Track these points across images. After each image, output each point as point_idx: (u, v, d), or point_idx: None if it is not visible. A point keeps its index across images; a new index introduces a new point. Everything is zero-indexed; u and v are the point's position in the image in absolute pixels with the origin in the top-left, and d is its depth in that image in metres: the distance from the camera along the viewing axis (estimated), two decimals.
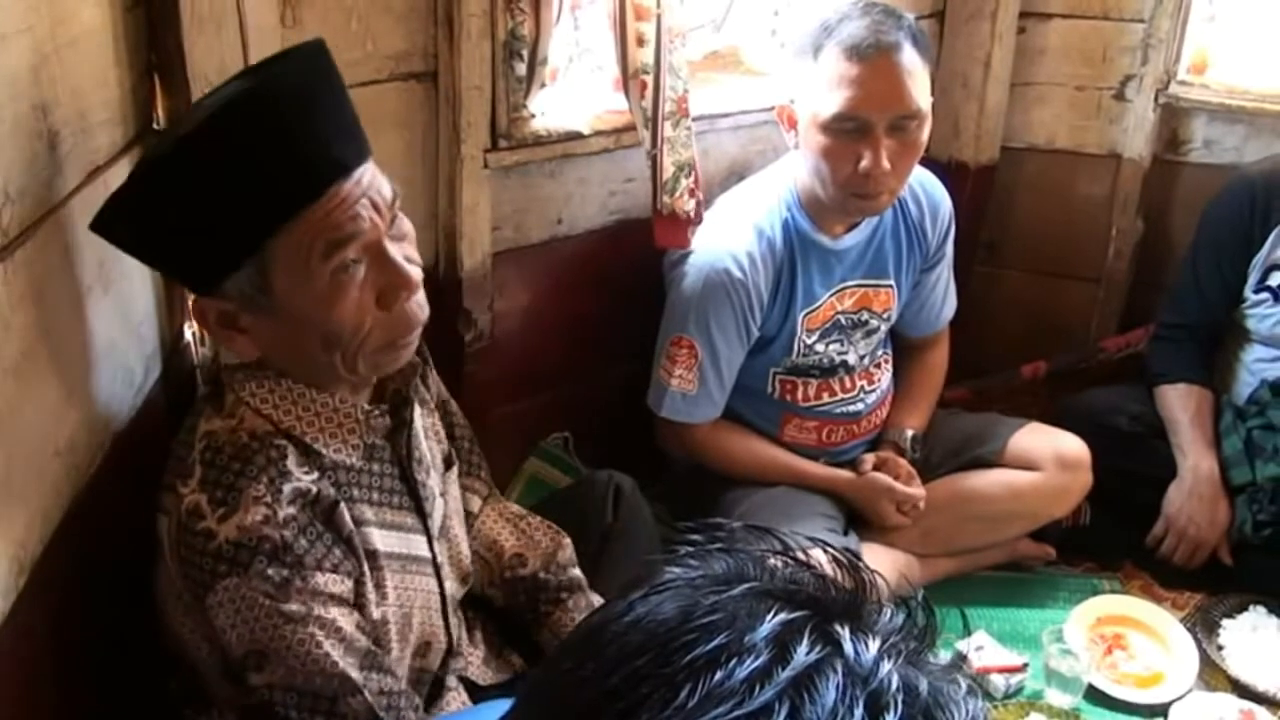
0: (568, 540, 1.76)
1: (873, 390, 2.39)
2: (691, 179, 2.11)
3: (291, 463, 1.30)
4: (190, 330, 1.77)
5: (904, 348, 2.53)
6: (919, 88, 2.03)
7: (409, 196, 2.01)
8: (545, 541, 1.75)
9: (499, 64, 2.03)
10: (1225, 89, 2.72)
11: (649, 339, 2.30)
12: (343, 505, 1.34)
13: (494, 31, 2.00)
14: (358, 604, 1.36)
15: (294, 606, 1.26)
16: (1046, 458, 2.36)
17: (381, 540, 1.41)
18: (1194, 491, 2.41)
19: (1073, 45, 2.81)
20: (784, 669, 0.54)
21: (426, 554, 1.49)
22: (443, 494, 1.57)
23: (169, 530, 1.29)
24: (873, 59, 1.99)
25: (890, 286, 2.32)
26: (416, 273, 1.35)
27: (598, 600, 1.73)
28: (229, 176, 1.21)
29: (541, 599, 1.72)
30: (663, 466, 2.44)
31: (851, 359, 2.32)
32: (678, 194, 2.09)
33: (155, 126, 1.64)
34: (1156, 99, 2.74)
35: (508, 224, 2.23)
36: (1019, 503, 2.38)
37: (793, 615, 0.57)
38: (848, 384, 2.35)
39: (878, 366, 2.41)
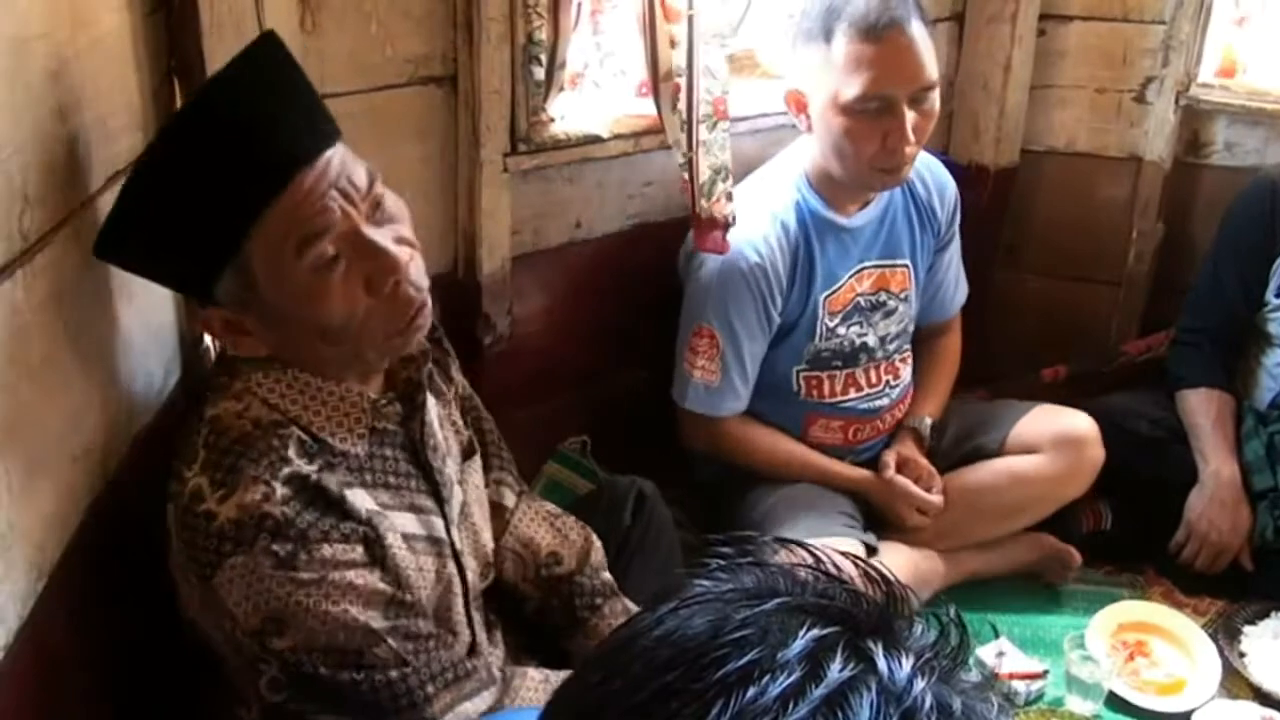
0: (598, 542, 1.77)
1: (896, 385, 2.38)
2: (729, 182, 2.09)
3: (293, 451, 1.30)
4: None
5: (918, 339, 2.51)
6: (931, 56, 2.05)
7: (427, 201, 2.03)
8: (579, 540, 1.75)
9: (518, 68, 2.03)
10: (1246, 91, 2.70)
11: (667, 343, 2.30)
12: (353, 491, 1.33)
13: (513, 36, 2.00)
14: (383, 564, 1.35)
15: (304, 574, 1.26)
16: (1045, 440, 2.36)
17: (408, 522, 1.42)
18: (1215, 497, 2.39)
19: (1093, 47, 2.79)
20: (817, 686, 0.53)
21: (444, 537, 1.49)
22: (460, 482, 1.56)
23: (174, 515, 1.29)
24: (887, 36, 1.99)
25: (906, 266, 2.32)
26: (403, 252, 1.32)
27: (631, 606, 1.73)
28: (192, 184, 1.21)
29: (579, 603, 1.71)
30: (683, 470, 2.43)
31: (871, 340, 2.31)
32: (715, 198, 2.08)
33: None
34: (1177, 101, 2.72)
35: (526, 228, 2.23)
36: (1026, 489, 2.37)
37: (825, 631, 0.56)
38: (872, 378, 2.34)
39: (903, 361, 2.40)
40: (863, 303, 2.28)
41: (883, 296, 2.31)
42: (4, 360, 1.08)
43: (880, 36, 1.99)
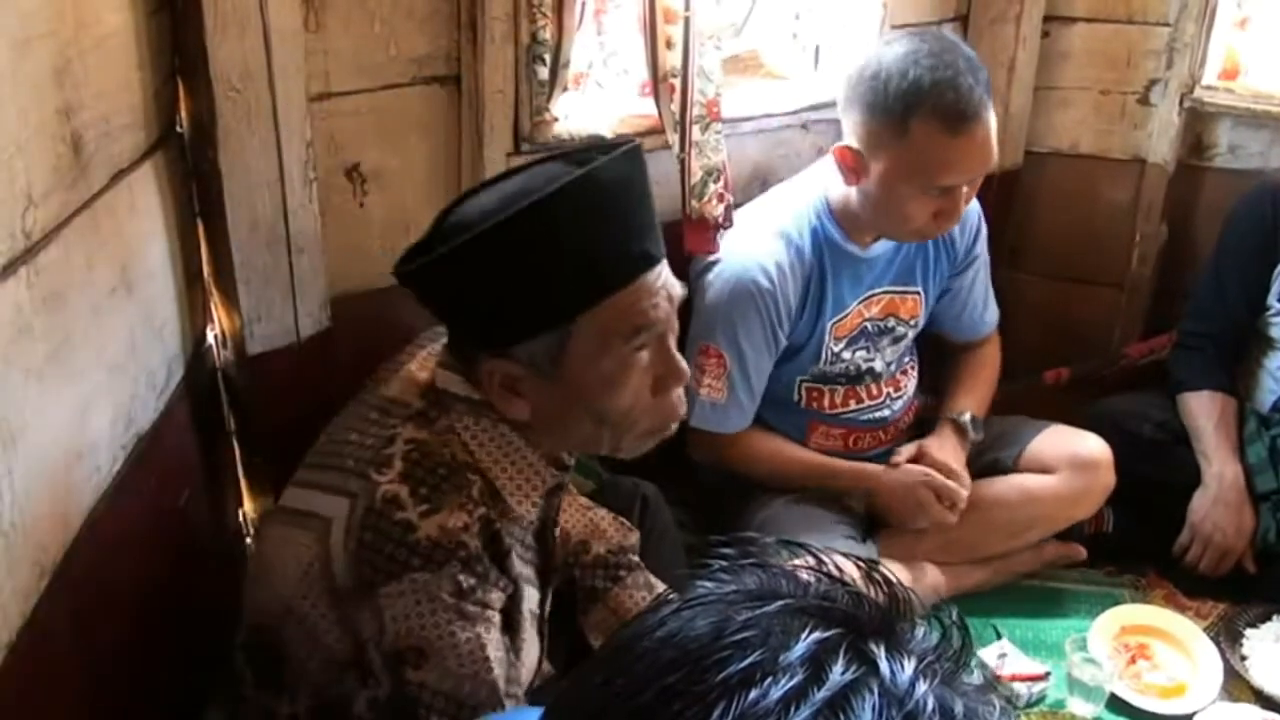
0: (635, 534, 1.82)
1: (899, 397, 2.38)
2: (720, 183, 2.10)
3: (477, 493, 1.35)
4: (213, 333, 1.77)
5: (953, 350, 2.51)
6: (995, 138, 2.03)
7: (430, 200, 2.02)
8: (612, 531, 1.80)
9: (522, 68, 2.03)
10: (1251, 94, 2.70)
11: None
12: (515, 553, 1.40)
13: (517, 35, 2.00)
14: (512, 629, 1.41)
15: (471, 608, 1.29)
16: (1061, 461, 2.35)
17: (529, 594, 1.47)
18: (1219, 498, 2.39)
19: (1097, 49, 2.79)
20: (819, 689, 0.53)
21: (538, 611, 1.53)
22: None
23: (351, 513, 1.31)
24: (966, 129, 1.97)
25: (918, 293, 2.31)
26: (687, 369, 1.44)
27: (657, 584, 1.78)
28: (551, 256, 1.30)
29: (599, 574, 1.76)
30: (685, 472, 2.42)
31: (878, 366, 2.31)
32: (706, 198, 2.08)
33: (178, 130, 1.64)
34: (1181, 103, 2.72)
35: None
36: (1037, 507, 2.36)
37: (827, 633, 0.56)
38: (874, 390, 2.33)
39: (904, 373, 2.39)
40: (870, 328, 2.27)
41: (891, 322, 2.29)
42: (7, 359, 1.08)
43: (960, 130, 1.96)
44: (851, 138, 2.07)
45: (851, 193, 2.12)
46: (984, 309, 2.49)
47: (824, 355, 2.24)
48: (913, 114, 1.96)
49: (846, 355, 2.26)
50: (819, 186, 2.20)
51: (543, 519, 1.51)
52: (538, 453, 1.43)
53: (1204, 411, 2.47)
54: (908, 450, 2.33)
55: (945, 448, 2.32)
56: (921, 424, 2.48)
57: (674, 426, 1.48)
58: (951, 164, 1.99)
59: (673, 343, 1.42)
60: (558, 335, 1.33)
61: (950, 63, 1.97)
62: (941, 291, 2.39)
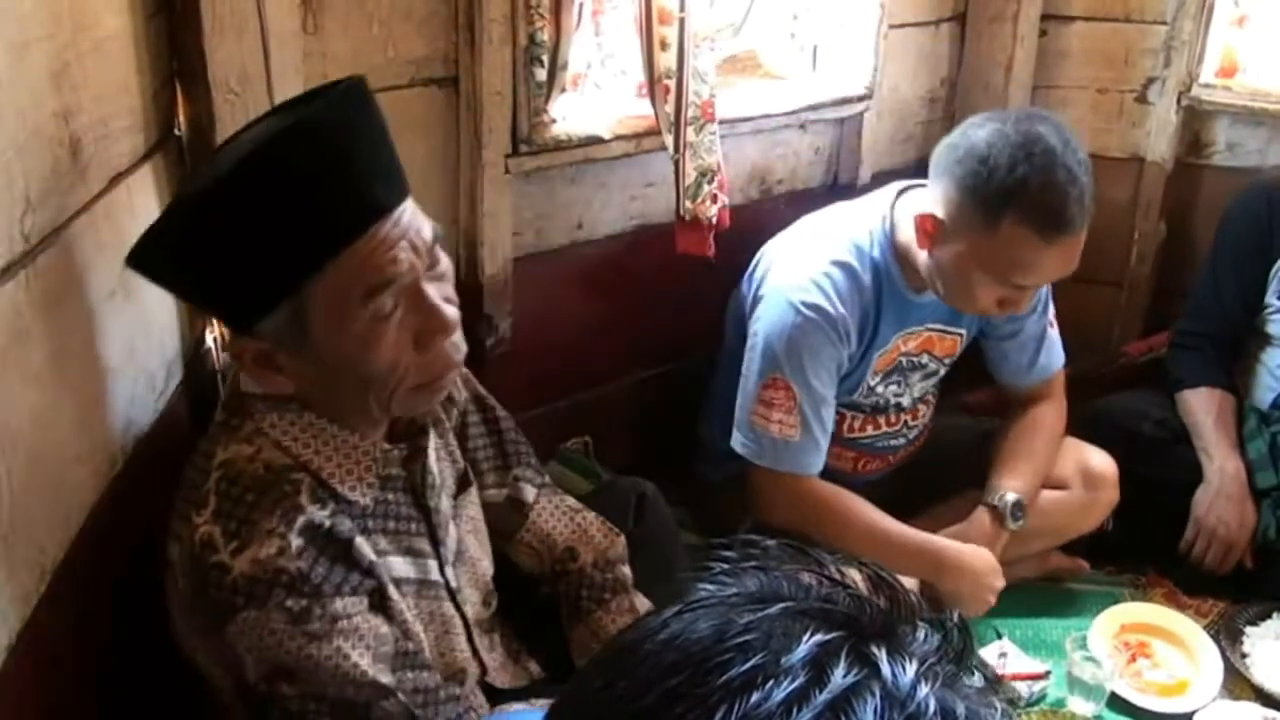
0: (621, 538, 1.77)
1: (915, 425, 2.36)
2: (715, 184, 2.09)
3: (305, 498, 1.29)
4: (211, 336, 1.77)
5: (1010, 400, 2.42)
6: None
7: (428, 202, 2.02)
8: (599, 538, 1.75)
9: (520, 69, 2.03)
10: (1248, 91, 2.71)
11: (669, 344, 2.30)
12: (359, 539, 1.32)
13: (515, 37, 2.00)
14: (386, 613, 1.35)
15: (316, 625, 1.25)
16: (1073, 475, 2.33)
17: (402, 567, 1.41)
18: (1222, 492, 2.39)
19: (1095, 48, 2.79)
20: (821, 692, 0.53)
21: (439, 579, 1.49)
22: (455, 517, 1.56)
23: (181, 558, 1.27)
24: (1062, 240, 1.90)
25: (959, 335, 2.26)
26: (454, 314, 1.32)
27: (642, 603, 1.73)
28: (264, 218, 1.18)
29: (585, 595, 1.71)
30: (684, 471, 2.43)
31: (905, 400, 2.29)
32: (700, 199, 2.08)
33: (176, 133, 1.64)
34: (1179, 102, 2.72)
35: (528, 229, 2.23)
36: (1044, 519, 2.33)
37: (829, 636, 0.56)
38: (892, 419, 2.31)
39: (924, 403, 2.36)
40: (904, 362, 2.23)
41: (924, 359, 2.25)
42: (6, 361, 1.08)
43: (1054, 240, 1.89)
44: (937, 207, 1.98)
45: (924, 266, 2.05)
46: (1034, 357, 2.35)
47: (861, 388, 2.20)
48: (1009, 211, 1.88)
49: (880, 389, 2.24)
50: (882, 219, 2.12)
51: (410, 485, 1.45)
52: (356, 432, 1.35)
53: (1203, 408, 2.47)
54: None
55: (980, 539, 2.20)
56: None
57: (451, 376, 1.38)
58: (1035, 268, 1.94)
59: (432, 291, 1.29)
60: (292, 306, 1.22)
61: (1063, 165, 1.87)
62: (977, 330, 2.32)
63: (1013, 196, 1.87)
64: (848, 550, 1.90)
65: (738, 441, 2.13)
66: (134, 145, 1.45)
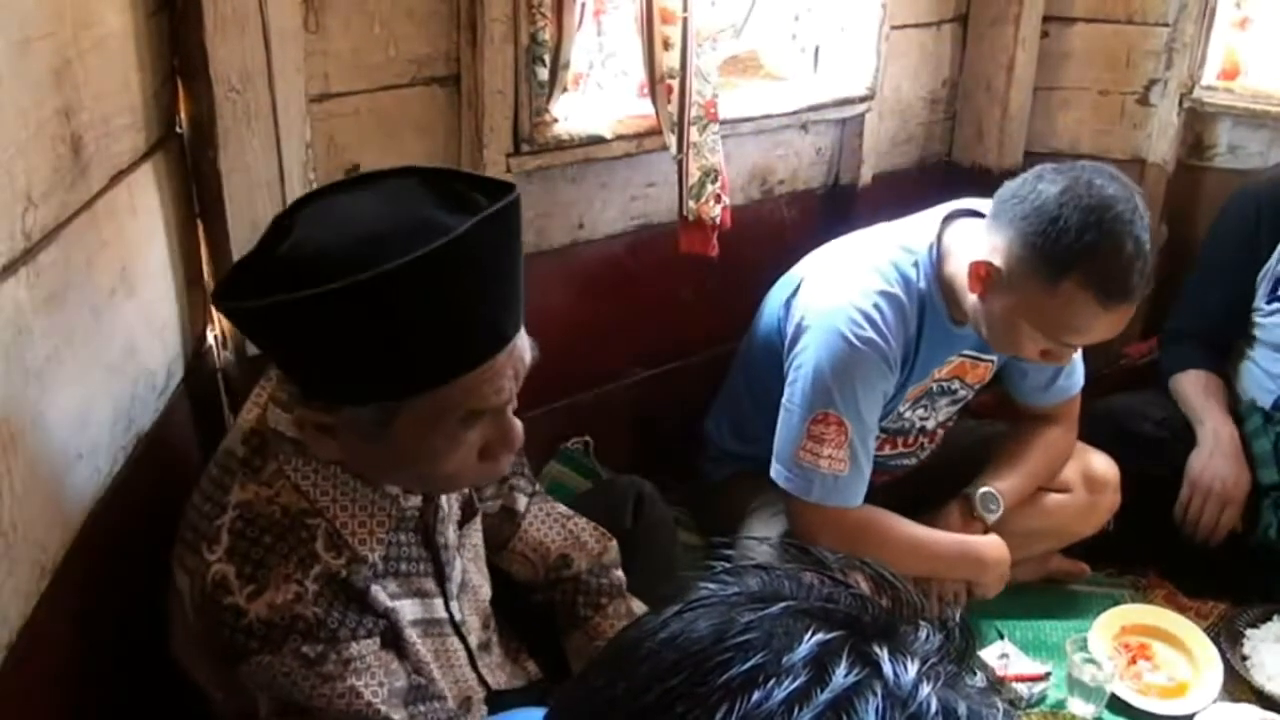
0: (614, 543, 1.76)
1: (930, 446, 2.36)
2: (718, 184, 2.09)
3: (320, 545, 1.28)
4: (213, 334, 1.77)
5: (1025, 417, 2.38)
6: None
7: None
8: (592, 543, 1.74)
9: (521, 68, 2.03)
10: (1250, 93, 2.71)
11: (669, 344, 2.29)
12: (372, 588, 1.32)
13: (516, 36, 2.00)
14: (399, 651, 1.36)
15: (330, 668, 1.25)
16: (1075, 479, 2.33)
17: (411, 609, 1.41)
18: (1217, 450, 2.38)
19: (1096, 50, 2.79)
20: (823, 691, 0.53)
21: (444, 615, 1.49)
22: (459, 547, 1.55)
23: (191, 591, 1.26)
24: (1119, 306, 1.88)
25: (991, 362, 2.24)
26: (520, 434, 1.32)
27: (638, 606, 1.72)
28: (393, 330, 1.15)
29: (581, 601, 1.71)
30: (684, 471, 2.43)
31: (930, 424, 2.28)
32: (703, 199, 2.08)
33: (178, 130, 1.64)
34: (1181, 103, 2.72)
35: (529, 229, 2.22)
36: (1046, 521, 2.33)
37: (830, 635, 0.56)
38: (911, 440, 2.30)
39: (944, 427, 2.35)
40: (935, 388, 2.22)
41: (955, 385, 2.24)
42: (7, 359, 1.08)
43: (1112, 306, 1.87)
44: (996, 255, 1.92)
45: (971, 308, 2.01)
46: (1054, 376, 2.31)
47: (892, 414, 2.18)
48: (1074, 273, 1.84)
49: (909, 415, 2.23)
50: (929, 247, 2.06)
51: (422, 524, 1.44)
52: (378, 490, 1.34)
53: (1192, 385, 2.50)
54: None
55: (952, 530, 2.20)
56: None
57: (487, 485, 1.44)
58: (1087, 330, 1.93)
59: (510, 411, 1.30)
60: (384, 408, 1.21)
61: (1133, 236, 1.84)
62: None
63: (1080, 260, 1.84)
64: (893, 566, 1.92)
65: (780, 476, 2.08)
66: (135, 143, 1.45)
